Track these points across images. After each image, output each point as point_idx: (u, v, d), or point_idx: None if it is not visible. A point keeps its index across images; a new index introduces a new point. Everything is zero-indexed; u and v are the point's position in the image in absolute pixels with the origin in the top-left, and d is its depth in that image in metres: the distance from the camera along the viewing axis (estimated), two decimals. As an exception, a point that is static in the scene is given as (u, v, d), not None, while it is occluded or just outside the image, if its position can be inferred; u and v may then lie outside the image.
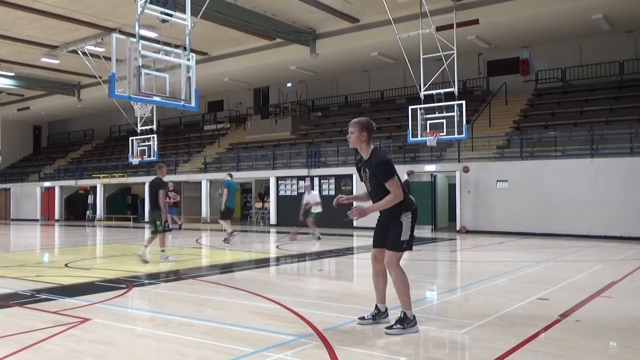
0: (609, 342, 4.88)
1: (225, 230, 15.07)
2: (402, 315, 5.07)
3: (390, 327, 5.03)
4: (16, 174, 37.82)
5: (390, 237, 5.13)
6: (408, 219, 5.12)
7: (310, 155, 23.38)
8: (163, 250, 10.68)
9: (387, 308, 5.41)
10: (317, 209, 16.01)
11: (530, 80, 23.37)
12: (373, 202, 5.22)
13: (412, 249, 5.23)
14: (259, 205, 26.59)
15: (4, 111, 35.24)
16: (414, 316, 5.11)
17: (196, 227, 24.36)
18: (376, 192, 5.15)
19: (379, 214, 5.33)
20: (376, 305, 5.40)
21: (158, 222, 10.47)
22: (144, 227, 25.05)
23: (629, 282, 8.04)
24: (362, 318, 5.39)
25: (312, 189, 17.62)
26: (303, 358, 4.33)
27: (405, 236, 5.10)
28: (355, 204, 5.41)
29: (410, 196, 5.30)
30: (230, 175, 15.78)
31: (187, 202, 27.98)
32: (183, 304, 6.56)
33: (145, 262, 10.25)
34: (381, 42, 21.42)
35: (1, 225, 29.37)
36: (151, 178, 11.11)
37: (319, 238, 15.85)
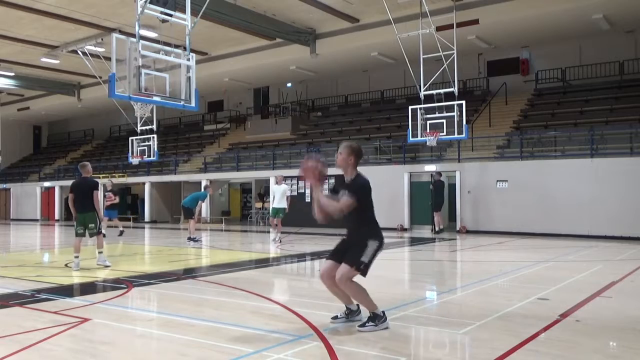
0: (609, 342, 4.88)
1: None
2: (371, 314, 5.17)
3: (363, 325, 5.13)
4: (16, 174, 37.82)
5: (351, 253, 5.13)
6: (374, 246, 5.13)
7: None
8: (100, 252, 9.95)
9: (358, 306, 5.45)
10: (278, 204, 14.67)
11: (530, 80, 23.36)
12: (345, 223, 5.26)
13: (365, 276, 5.15)
14: (258, 205, 26.59)
15: (4, 111, 35.24)
16: (384, 312, 5.21)
17: (196, 227, 24.33)
18: (349, 215, 5.10)
19: (346, 236, 5.34)
20: (346, 306, 5.46)
21: (92, 225, 9.74)
22: (144, 227, 25.06)
23: (629, 282, 8.04)
24: (335, 317, 5.45)
25: (284, 180, 15.99)
26: (303, 358, 4.33)
27: (366, 258, 5.08)
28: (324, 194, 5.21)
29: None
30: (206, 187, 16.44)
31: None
32: (183, 304, 6.56)
33: (107, 266, 9.74)
34: (381, 42, 21.42)
35: (1, 225, 29.37)
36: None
37: (280, 241, 14.85)
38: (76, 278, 8.86)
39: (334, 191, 5.24)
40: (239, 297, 6.95)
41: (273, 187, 14.87)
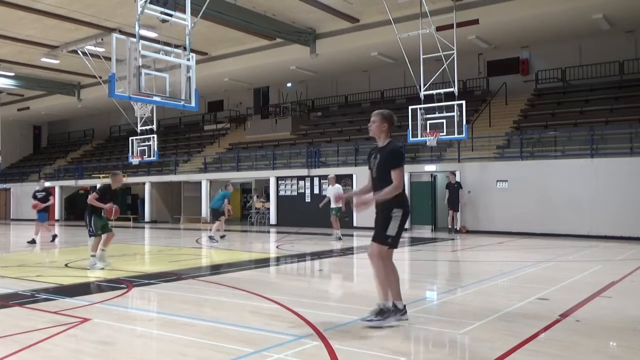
0: (609, 342, 4.88)
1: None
2: (379, 309, 5.19)
3: (368, 320, 5.17)
4: (16, 174, 37.81)
5: (376, 229, 5.24)
6: (398, 217, 5.18)
7: (310, 155, 23.37)
8: (93, 255, 9.83)
9: (404, 305, 5.37)
10: (336, 204, 15.02)
11: (530, 80, 23.36)
12: (377, 188, 5.30)
13: (396, 247, 5.27)
14: (258, 205, 26.59)
15: (4, 111, 35.23)
16: (396, 307, 5.22)
17: (196, 227, 24.35)
18: (380, 180, 5.24)
19: (375, 207, 5.39)
20: (377, 304, 5.34)
21: (92, 227, 9.86)
22: (144, 227, 25.07)
23: (629, 282, 8.04)
24: (365, 320, 5.28)
25: (337, 181, 16.35)
26: (303, 358, 4.33)
27: (391, 231, 5.17)
28: (355, 199, 5.45)
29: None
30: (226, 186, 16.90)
31: (187, 202, 27.99)
32: (183, 304, 6.56)
33: (103, 267, 9.69)
34: (381, 42, 21.42)
35: (1, 225, 29.37)
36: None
37: (340, 239, 15.42)
38: (76, 278, 8.86)
39: (368, 157, 5.45)
40: (239, 297, 6.94)
41: (327, 189, 15.68)
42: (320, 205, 15.88)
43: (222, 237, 16.40)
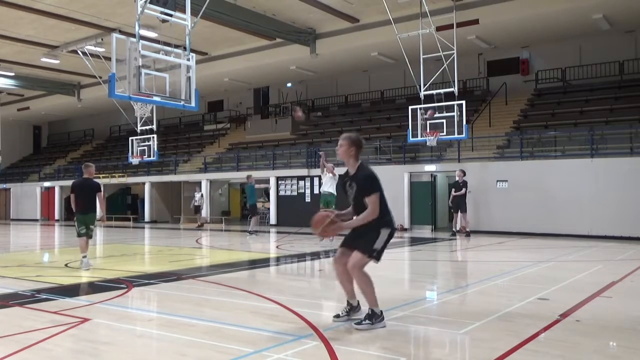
0: (609, 342, 4.88)
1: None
2: (370, 312, 5.20)
3: (359, 323, 5.17)
4: (16, 174, 37.82)
5: (363, 239, 5.19)
6: (386, 234, 5.20)
7: (310, 155, 23.37)
8: (84, 256, 9.73)
9: (358, 302, 5.51)
10: (326, 188, 14.15)
11: (530, 80, 23.36)
12: (357, 214, 5.29)
13: (378, 261, 5.22)
14: (258, 205, 26.58)
15: (4, 111, 35.22)
16: (381, 312, 5.24)
17: (197, 227, 24.33)
18: (359, 209, 5.21)
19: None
20: (347, 301, 5.51)
21: (92, 226, 9.85)
22: (144, 227, 25.07)
23: (629, 282, 8.04)
24: (337, 316, 5.48)
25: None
26: (303, 358, 4.33)
27: (378, 245, 5.15)
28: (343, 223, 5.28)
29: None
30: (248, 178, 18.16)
31: (187, 202, 27.97)
32: (183, 304, 6.56)
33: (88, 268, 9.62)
34: (381, 42, 21.42)
35: (1, 225, 29.38)
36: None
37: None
38: (76, 278, 8.86)
39: (343, 186, 5.38)
40: (239, 297, 6.95)
41: (325, 175, 14.56)
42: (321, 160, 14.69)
43: (256, 233, 17.93)
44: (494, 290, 7.51)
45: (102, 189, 10.01)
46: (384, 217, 5.21)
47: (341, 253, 5.37)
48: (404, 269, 10.92)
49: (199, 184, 26.35)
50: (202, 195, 23.19)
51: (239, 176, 25.98)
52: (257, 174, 25.26)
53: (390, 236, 5.24)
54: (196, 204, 25.20)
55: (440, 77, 18.82)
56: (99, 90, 27.72)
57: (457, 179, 17.26)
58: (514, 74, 23.91)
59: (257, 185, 18.61)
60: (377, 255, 5.16)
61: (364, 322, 5.16)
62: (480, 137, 20.32)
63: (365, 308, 5.32)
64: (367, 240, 5.15)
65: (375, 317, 5.17)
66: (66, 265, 10.43)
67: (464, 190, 17.03)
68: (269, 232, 20.61)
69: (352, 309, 5.49)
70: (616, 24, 19.97)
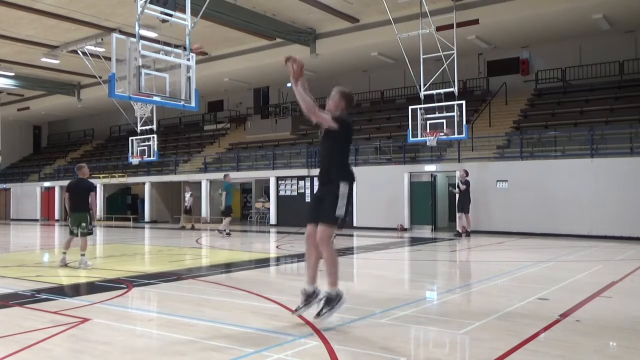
0: (609, 342, 4.88)
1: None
2: (325, 298, 5.19)
3: (318, 315, 5.16)
4: (16, 174, 37.82)
5: (324, 210, 5.22)
6: (345, 195, 5.20)
7: (310, 155, 23.37)
8: (83, 255, 9.82)
9: (314, 289, 5.39)
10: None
11: (530, 80, 23.36)
12: (320, 161, 5.51)
13: (342, 227, 5.26)
14: (258, 205, 26.59)
15: (4, 111, 35.22)
16: (338, 291, 5.20)
17: (196, 227, 24.33)
18: (325, 152, 5.37)
19: (318, 182, 5.48)
20: (303, 290, 5.40)
21: (84, 225, 9.93)
22: (144, 227, 25.06)
23: (629, 282, 8.04)
24: (297, 309, 5.39)
25: None
26: (303, 358, 4.33)
27: (340, 211, 5.18)
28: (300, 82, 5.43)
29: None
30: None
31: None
32: (183, 304, 6.55)
33: (65, 266, 9.77)
34: (381, 42, 21.42)
35: (1, 225, 29.37)
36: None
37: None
38: (76, 278, 8.86)
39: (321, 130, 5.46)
40: (239, 297, 6.94)
41: None
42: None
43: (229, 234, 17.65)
44: (494, 290, 7.51)
45: (96, 189, 10.10)
46: (343, 170, 5.28)
47: (311, 230, 5.36)
48: (404, 269, 10.92)
49: (191, 184, 26.22)
50: (191, 195, 22.92)
51: (239, 176, 25.97)
52: (257, 174, 25.33)
53: (351, 189, 5.26)
54: (186, 204, 24.59)
55: (440, 77, 18.83)
56: (99, 90, 27.72)
57: (461, 180, 17.25)
58: (514, 74, 23.91)
59: (232, 181, 18.67)
60: (342, 223, 5.22)
61: (323, 312, 5.15)
62: (480, 137, 20.33)
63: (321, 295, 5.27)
64: (328, 209, 5.17)
65: (332, 301, 5.16)
66: (66, 265, 10.42)
67: (461, 187, 16.92)
68: (269, 232, 20.60)
69: (309, 297, 5.35)
70: (616, 24, 19.97)
